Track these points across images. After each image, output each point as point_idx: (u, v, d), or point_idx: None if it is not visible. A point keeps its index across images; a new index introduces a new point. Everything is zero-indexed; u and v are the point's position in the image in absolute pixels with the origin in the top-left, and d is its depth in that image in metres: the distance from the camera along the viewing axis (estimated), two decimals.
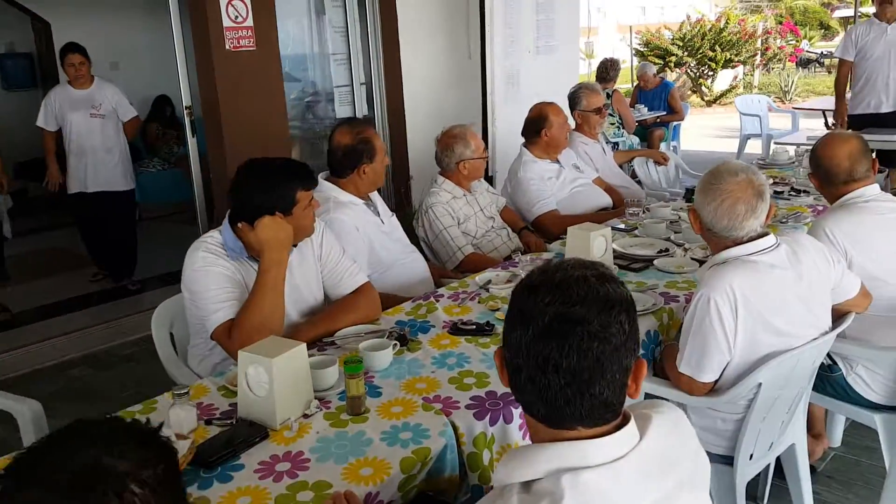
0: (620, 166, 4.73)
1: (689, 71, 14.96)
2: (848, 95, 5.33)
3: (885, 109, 5.09)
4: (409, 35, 5.11)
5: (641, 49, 15.45)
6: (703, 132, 11.47)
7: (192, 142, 4.41)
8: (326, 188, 2.54)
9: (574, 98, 4.09)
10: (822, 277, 1.92)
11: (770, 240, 1.88)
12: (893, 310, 2.19)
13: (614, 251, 2.72)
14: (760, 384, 1.81)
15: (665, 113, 7.24)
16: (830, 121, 5.25)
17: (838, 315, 2.04)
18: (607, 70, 6.30)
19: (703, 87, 15.00)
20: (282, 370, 1.58)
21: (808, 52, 17.36)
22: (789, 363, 1.82)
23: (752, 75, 16.17)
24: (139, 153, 7.12)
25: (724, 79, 15.38)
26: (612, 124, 6.33)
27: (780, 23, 20.08)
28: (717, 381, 1.88)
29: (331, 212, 2.45)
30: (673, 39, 14.65)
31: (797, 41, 17.80)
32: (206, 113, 4.27)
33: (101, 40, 6.98)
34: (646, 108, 7.22)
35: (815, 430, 2.48)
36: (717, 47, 14.26)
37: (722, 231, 1.88)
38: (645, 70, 7.44)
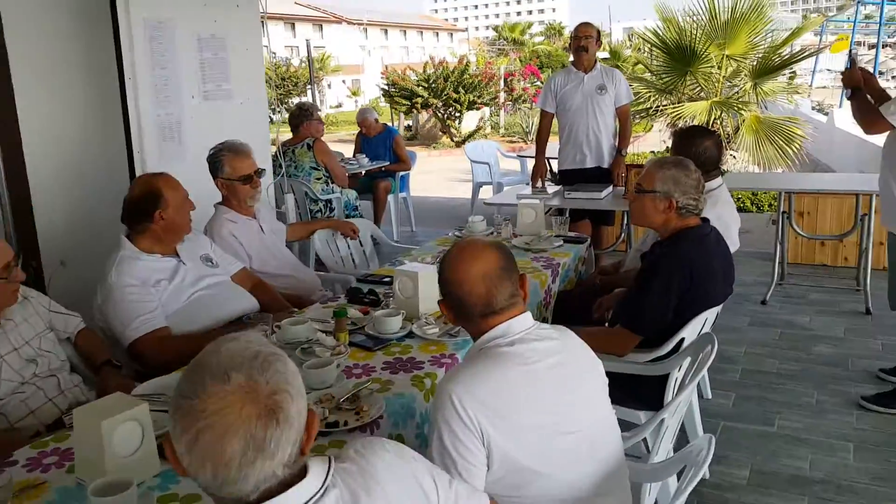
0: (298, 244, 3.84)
1: (436, 112, 14.91)
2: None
3: (588, 164, 4.74)
4: (30, 75, 3.79)
5: (390, 90, 15.16)
6: (448, 175, 11.24)
7: None
8: None
9: (213, 163, 3.11)
10: None
11: (309, 487, 1.00)
12: None
13: None
14: None
15: (388, 163, 6.57)
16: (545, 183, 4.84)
17: None
18: (294, 116, 5.45)
19: (452, 129, 15.03)
20: None
21: None
22: None
23: (497, 116, 16.62)
24: None
25: (471, 119, 15.58)
26: (319, 179, 5.49)
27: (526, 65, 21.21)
28: None
29: None
30: (418, 81, 14.50)
31: (541, 83, 18.81)
32: None
33: None
34: (367, 159, 6.50)
35: None
36: (460, 89, 14.34)
37: (211, 487, 0.97)
38: (365, 116, 6.73)
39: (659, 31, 7.71)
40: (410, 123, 17.18)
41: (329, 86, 34.45)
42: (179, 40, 4.16)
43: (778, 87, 7.88)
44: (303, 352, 2.15)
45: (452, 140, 14.93)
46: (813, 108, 14.70)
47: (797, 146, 6.97)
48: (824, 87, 23.77)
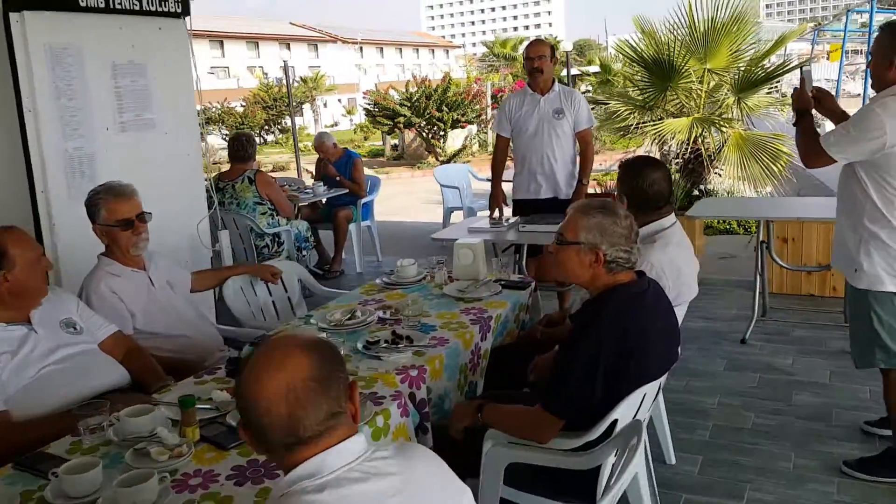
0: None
1: (420, 131, 14.57)
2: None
3: (543, 195, 4.31)
4: None
5: (372, 109, 14.84)
6: (426, 197, 10.84)
7: None
8: None
9: (90, 207, 2.71)
10: None
11: None
12: None
13: None
14: None
15: (346, 190, 6.15)
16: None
17: None
18: (244, 147, 5.07)
19: (437, 148, 14.68)
20: None
21: None
22: None
23: (485, 133, 16.28)
24: None
25: (457, 138, 15.23)
26: (265, 213, 5.10)
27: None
28: None
29: None
30: (400, 100, 14.17)
31: None
32: None
33: None
34: (323, 187, 6.11)
35: None
36: (444, 108, 14.00)
37: None
38: (322, 140, 6.36)
39: (637, 44, 7.33)
40: (397, 143, 16.86)
41: (325, 104, 34.23)
42: (90, 67, 3.79)
43: (763, 101, 7.48)
44: (135, 454, 1.74)
45: (437, 159, 14.58)
46: None
47: (783, 164, 6.56)
48: None
